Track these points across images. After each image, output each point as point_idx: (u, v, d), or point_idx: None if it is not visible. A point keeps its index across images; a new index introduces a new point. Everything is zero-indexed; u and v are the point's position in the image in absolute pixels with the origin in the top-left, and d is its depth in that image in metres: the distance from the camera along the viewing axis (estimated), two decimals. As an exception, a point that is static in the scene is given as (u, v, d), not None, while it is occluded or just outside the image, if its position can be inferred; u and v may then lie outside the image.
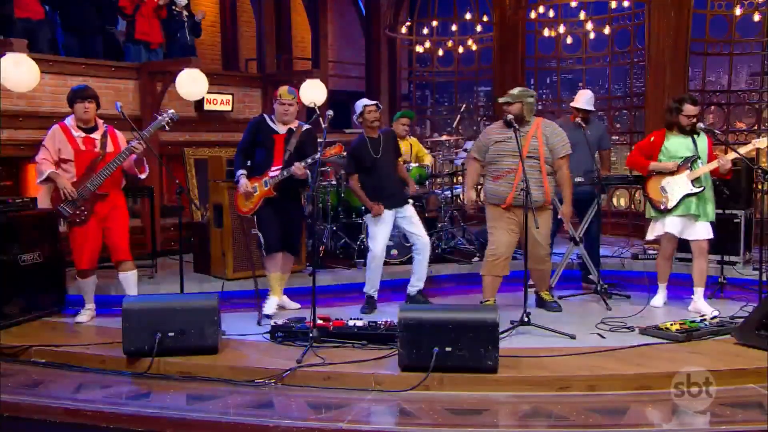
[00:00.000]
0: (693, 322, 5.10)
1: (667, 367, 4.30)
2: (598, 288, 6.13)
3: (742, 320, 4.99)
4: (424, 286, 6.03)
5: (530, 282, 5.77)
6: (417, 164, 7.42)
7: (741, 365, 4.36)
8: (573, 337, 4.97)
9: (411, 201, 6.07)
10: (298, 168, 5.34)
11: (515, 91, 5.61)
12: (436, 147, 9.21)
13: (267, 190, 5.49)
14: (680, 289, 6.20)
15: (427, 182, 7.78)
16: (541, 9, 10.13)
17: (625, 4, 9.49)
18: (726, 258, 6.56)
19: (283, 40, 11.46)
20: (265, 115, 5.75)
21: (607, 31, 9.95)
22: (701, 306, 5.65)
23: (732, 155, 5.63)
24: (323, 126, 5.29)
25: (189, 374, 4.48)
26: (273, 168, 5.50)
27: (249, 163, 5.66)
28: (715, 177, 5.70)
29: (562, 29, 10.27)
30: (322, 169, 6.98)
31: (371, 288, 5.91)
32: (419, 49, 11.40)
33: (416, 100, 12.20)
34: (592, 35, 10.04)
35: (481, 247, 7.53)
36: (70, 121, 5.47)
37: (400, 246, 6.98)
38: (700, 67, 9.37)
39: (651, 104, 8.64)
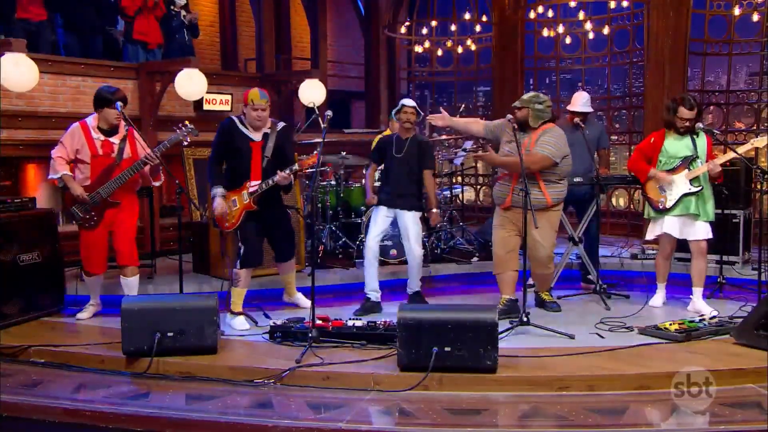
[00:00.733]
0: (692, 322, 5.10)
1: (666, 367, 4.31)
2: (598, 288, 6.13)
3: (741, 320, 4.99)
4: (422, 287, 6.04)
5: (530, 282, 5.78)
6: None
7: (740, 365, 4.37)
8: (572, 337, 4.97)
9: (415, 211, 5.90)
10: (282, 177, 5.18)
11: (526, 96, 5.63)
12: (436, 147, 9.19)
13: (247, 203, 5.31)
14: (679, 289, 6.21)
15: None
16: (540, 9, 10.13)
17: (624, 4, 9.49)
18: (725, 258, 6.57)
19: (283, 40, 11.46)
20: (234, 118, 5.42)
21: (606, 31, 9.95)
22: (700, 306, 5.65)
23: (722, 159, 5.63)
24: (322, 126, 5.25)
25: (188, 374, 4.48)
26: (252, 181, 5.30)
27: (223, 170, 5.42)
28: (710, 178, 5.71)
29: (561, 29, 10.27)
30: (322, 169, 6.98)
31: (368, 288, 5.90)
32: (418, 49, 11.40)
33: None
34: (591, 35, 10.03)
35: (481, 247, 7.55)
36: (92, 121, 5.39)
37: (400, 246, 6.98)
38: (699, 67, 9.38)
39: (650, 104, 8.64)
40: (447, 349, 4.21)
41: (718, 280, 6.37)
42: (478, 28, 10.81)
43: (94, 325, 5.53)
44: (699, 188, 5.56)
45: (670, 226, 5.66)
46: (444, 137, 9.16)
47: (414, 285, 5.99)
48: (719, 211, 6.11)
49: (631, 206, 9.59)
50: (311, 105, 8.08)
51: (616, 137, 9.98)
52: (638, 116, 9.59)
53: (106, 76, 7.67)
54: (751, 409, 3.97)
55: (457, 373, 4.23)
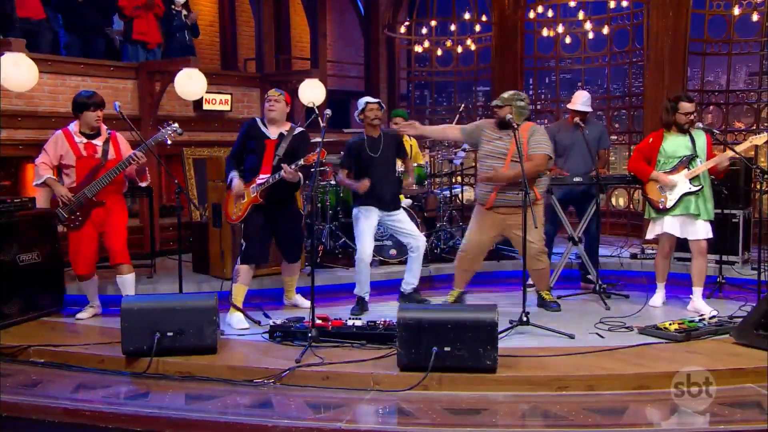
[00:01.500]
0: (692, 321, 5.10)
1: (665, 366, 4.31)
2: (597, 288, 6.13)
3: (740, 320, 4.99)
4: (421, 286, 6.03)
5: (530, 281, 5.78)
6: (416, 164, 7.42)
7: (740, 365, 4.36)
8: (572, 337, 4.97)
9: (403, 208, 6.10)
10: (288, 171, 5.19)
11: (506, 94, 5.69)
12: (435, 147, 9.22)
13: (254, 197, 5.35)
14: (679, 288, 6.21)
15: (426, 182, 7.78)
16: (540, 9, 10.14)
17: (624, 3, 9.50)
18: (724, 258, 6.57)
19: (282, 40, 11.46)
20: (257, 119, 5.62)
21: (605, 30, 9.95)
22: (700, 306, 5.65)
23: (730, 153, 5.63)
24: (322, 125, 5.25)
25: (188, 374, 4.48)
26: (261, 175, 5.37)
27: (241, 168, 5.51)
28: (711, 175, 5.71)
29: (560, 29, 10.27)
30: (321, 168, 6.98)
31: (361, 290, 5.87)
32: (418, 48, 11.39)
33: (415, 100, 12.20)
34: (590, 35, 10.04)
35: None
36: (73, 127, 5.47)
37: (399, 246, 6.98)
38: (699, 67, 9.37)
39: (650, 104, 8.64)
40: (447, 348, 4.21)
41: (718, 279, 6.37)
42: (477, 27, 10.81)
43: (93, 325, 5.53)
44: (699, 187, 5.56)
45: (670, 225, 5.66)
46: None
47: (414, 281, 5.96)
48: (719, 210, 6.11)
49: (631, 206, 9.59)
50: (311, 105, 8.04)
51: (615, 137, 9.98)
52: (638, 116, 9.59)
53: (106, 76, 7.68)
54: (751, 408, 3.97)
55: (456, 373, 4.23)
